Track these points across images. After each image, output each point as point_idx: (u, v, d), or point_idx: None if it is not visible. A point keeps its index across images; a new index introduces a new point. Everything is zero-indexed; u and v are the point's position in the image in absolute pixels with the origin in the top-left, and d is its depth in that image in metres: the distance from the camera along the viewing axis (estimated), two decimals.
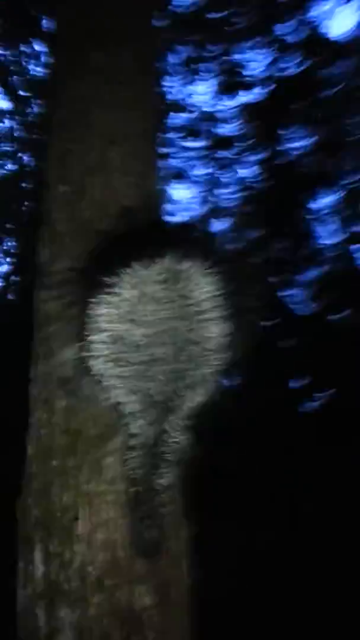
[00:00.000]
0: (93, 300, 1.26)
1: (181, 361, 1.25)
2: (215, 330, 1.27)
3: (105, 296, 1.25)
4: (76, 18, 1.99)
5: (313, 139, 11.26)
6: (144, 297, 1.24)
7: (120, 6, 2.03)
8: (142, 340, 1.24)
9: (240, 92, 12.76)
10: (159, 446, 1.29)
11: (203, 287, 1.26)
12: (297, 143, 12.43)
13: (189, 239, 1.45)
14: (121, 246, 1.35)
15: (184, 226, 1.71)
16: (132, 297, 1.24)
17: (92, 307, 1.26)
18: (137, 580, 1.36)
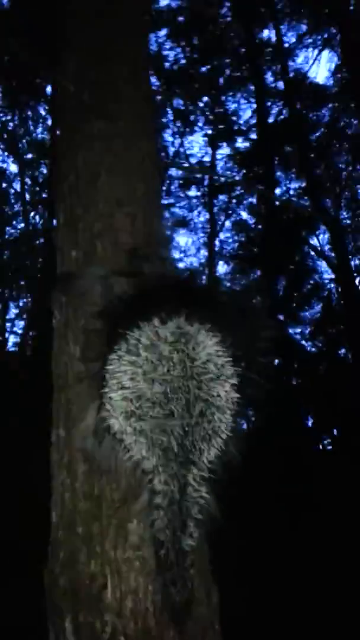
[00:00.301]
0: (111, 358, 1.30)
1: (194, 416, 1.29)
2: (222, 388, 1.32)
3: (122, 354, 1.29)
4: (74, 89, 2.07)
5: (306, 179, 11.58)
6: (158, 356, 1.28)
7: (114, 72, 2.12)
8: (158, 397, 1.27)
9: (233, 140, 13.17)
10: (184, 502, 1.28)
11: (208, 348, 1.31)
12: (292, 184, 12.74)
13: (195, 295, 1.51)
14: (135, 305, 1.39)
15: (189, 278, 1.74)
16: (148, 356, 1.28)
17: (111, 365, 1.29)
18: None
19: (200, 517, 1.31)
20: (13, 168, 15.10)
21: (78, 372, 1.54)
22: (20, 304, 17.05)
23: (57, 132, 2.15)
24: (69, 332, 1.69)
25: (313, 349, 13.32)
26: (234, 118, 13.20)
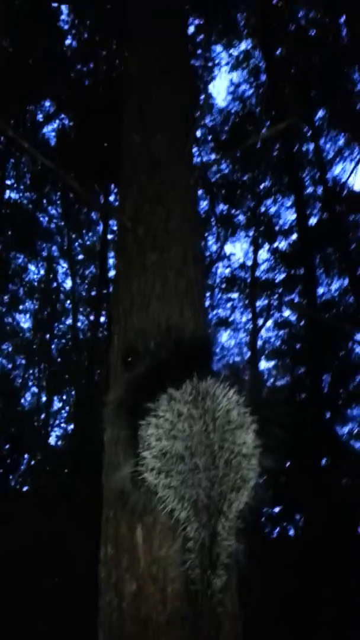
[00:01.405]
0: (140, 425, 1.45)
1: (220, 467, 1.38)
2: (247, 435, 1.42)
3: (149, 421, 1.43)
4: (131, 225, 2.34)
5: (347, 280, 11.79)
6: (180, 415, 1.41)
7: (166, 210, 2.38)
8: (184, 452, 1.39)
9: (273, 242, 13.69)
10: (214, 548, 1.37)
11: (227, 398, 1.43)
12: (333, 285, 12.95)
13: (204, 358, 1.70)
14: (157, 376, 1.56)
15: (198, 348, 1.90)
16: (171, 417, 1.42)
17: (141, 429, 1.44)
18: None
19: (229, 562, 1.39)
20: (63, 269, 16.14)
21: (114, 436, 1.72)
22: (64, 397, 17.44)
23: (116, 263, 2.39)
24: (118, 449, 1.80)
25: None
26: (275, 220, 13.86)
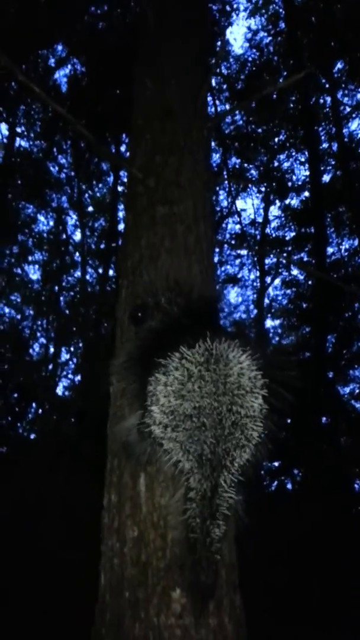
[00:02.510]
0: (149, 380, 1.47)
1: (226, 427, 1.42)
2: (256, 400, 1.44)
3: (158, 377, 1.45)
4: (142, 176, 2.29)
5: (357, 240, 11.62)
6: (190, 376, 1.43)
7: (177, 162, 2.32)
8: (192, 412, 1.42)
9: (285, 199, 13.43)
10: (215, 499, 1.42)
11: (239, 362, 1.44)
12: (343, 245, 12.76)
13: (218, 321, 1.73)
14: (166, 337, 1.57)
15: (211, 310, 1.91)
16: (181, 376, 1.43)
17: (150, 386, 1.46)
18: None
19: (228, 513, 1.44)
20: (73, 221, 15.96)
21: (121, 389, 1.73)
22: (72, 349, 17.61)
23: (125, 216, 2.36)
24: (124, 401, 1.82)
25: None
26: (288, 176, 13.56)
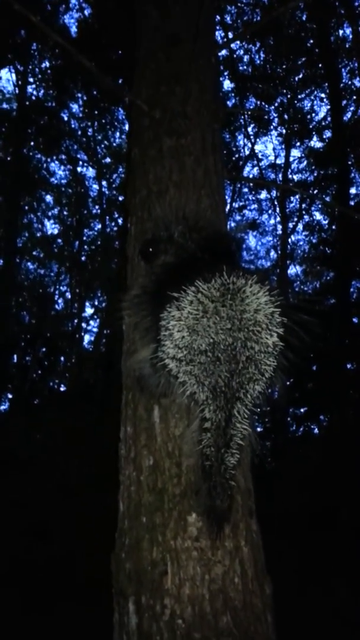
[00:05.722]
0: (162, 316, 1.46)
1: (241, 362, 1.43)
2: (271, 337, 1.44)
3: (171, 312, 1.44)
4: (147, 108, 2.21)
5: None
6: (205, 312, 1.42)
7: (184, 92, 2.23)
8: (207, 347, 1.42)
9: (306, 140, 12.95)
10: (229, 429, 1.45)
11: (257, 298, 1.43)
12: None
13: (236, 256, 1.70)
14: (181, 271, 1.55)
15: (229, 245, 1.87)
16: (195, 312, 1.42)
17: (164, 320, 1.46)
18: (223, 633, 1.42)
19: (242, 443, 1.48)
20: (91, 173, 15.73)
21: (134, 323, 1.71)
22: (96, 303, 17.74)
23: (131, 149, 2.29)
24: (137, 335, 1.82)
25: None
26: (309, 117, 13.04)
